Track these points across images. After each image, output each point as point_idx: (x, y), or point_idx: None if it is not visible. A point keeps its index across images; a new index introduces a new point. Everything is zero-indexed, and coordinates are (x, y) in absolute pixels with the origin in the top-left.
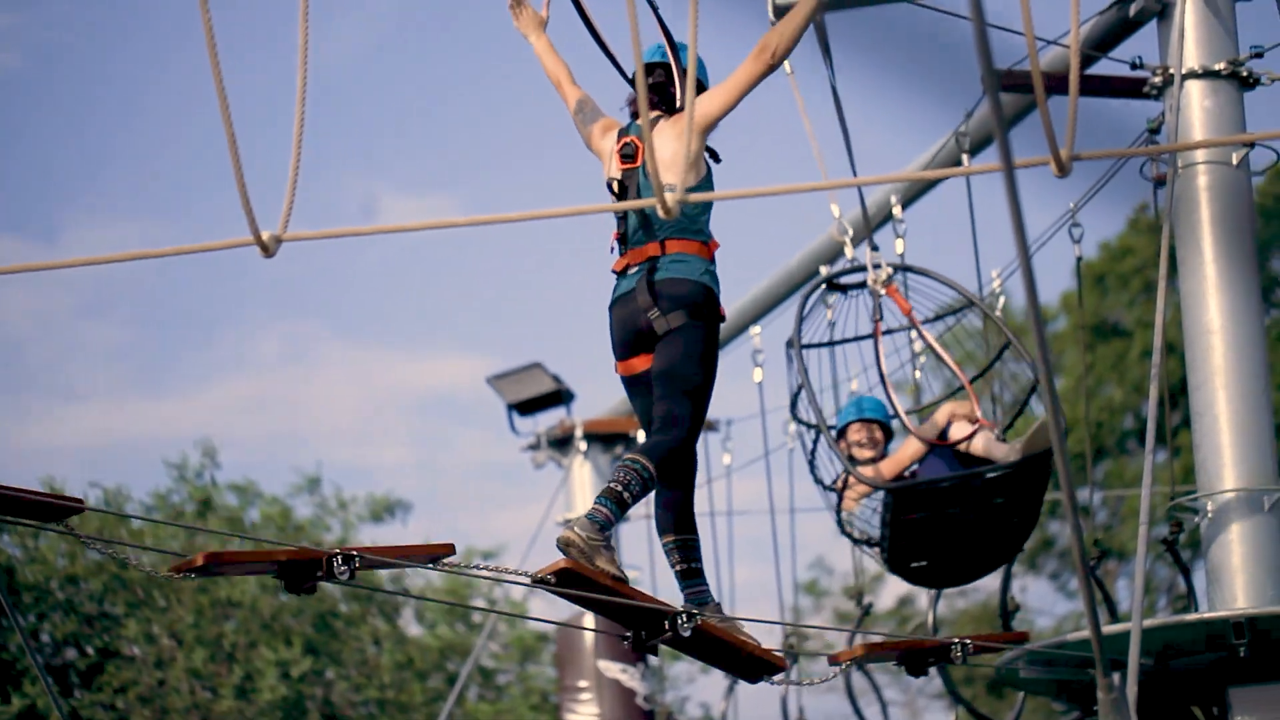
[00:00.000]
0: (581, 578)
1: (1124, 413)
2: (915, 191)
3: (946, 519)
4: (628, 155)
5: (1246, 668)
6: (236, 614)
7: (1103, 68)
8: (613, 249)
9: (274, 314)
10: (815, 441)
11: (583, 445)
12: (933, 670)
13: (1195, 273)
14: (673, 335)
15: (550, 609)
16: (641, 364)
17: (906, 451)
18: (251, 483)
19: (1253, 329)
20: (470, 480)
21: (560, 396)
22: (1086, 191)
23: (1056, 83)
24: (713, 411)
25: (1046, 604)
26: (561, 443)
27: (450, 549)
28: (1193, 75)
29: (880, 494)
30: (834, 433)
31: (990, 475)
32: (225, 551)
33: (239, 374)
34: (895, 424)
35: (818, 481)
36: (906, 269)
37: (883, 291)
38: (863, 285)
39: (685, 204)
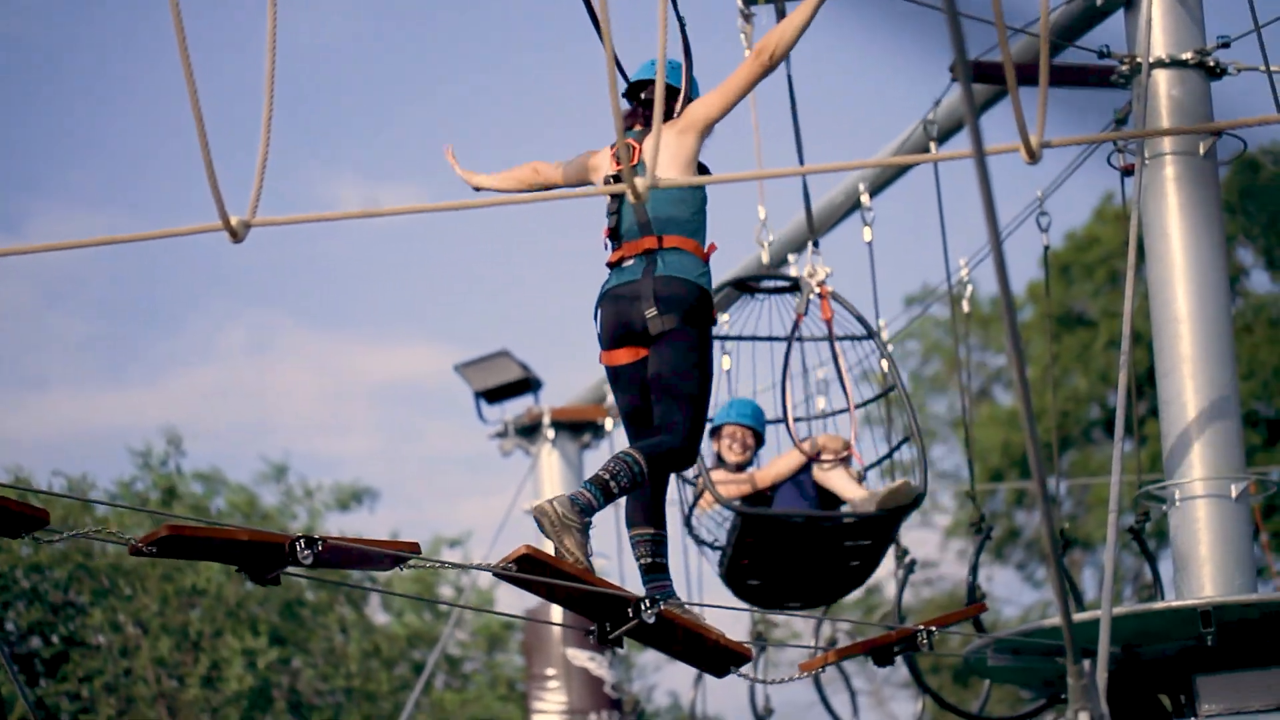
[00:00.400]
0: (542, 565)
1: (1089, 402)
2: (883, 180)
3: (789, 552)
4: (626, 157)
5: (1213, 656)
6: (202, 602)
7: (1070, 56)
8: (606, 245)
9: (240, 304)
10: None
11: (550, 433)
12: (899, 659)
13: (1163, 261)
14: (670, 338)
15: (518, 599)
16: (626, 356)
17: (783, 464)
18: (217, 470)
19: (1220, 318)
20: (437, 469)
21: (528, 384)
22: (1054, 180)
23: (1025, 71)
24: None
25: (1013, 593)
26: (529, 431)
27: (415, 548)
28: (1160, 64)
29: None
30: (709, 428)
31: (841, 521)
32: (187, 526)
33: (205, 363)
34: (776, 431)
35: (679, 473)
36: (813, 287)
37: (816, 290)
38: (772, 292)
39: (677, 208)
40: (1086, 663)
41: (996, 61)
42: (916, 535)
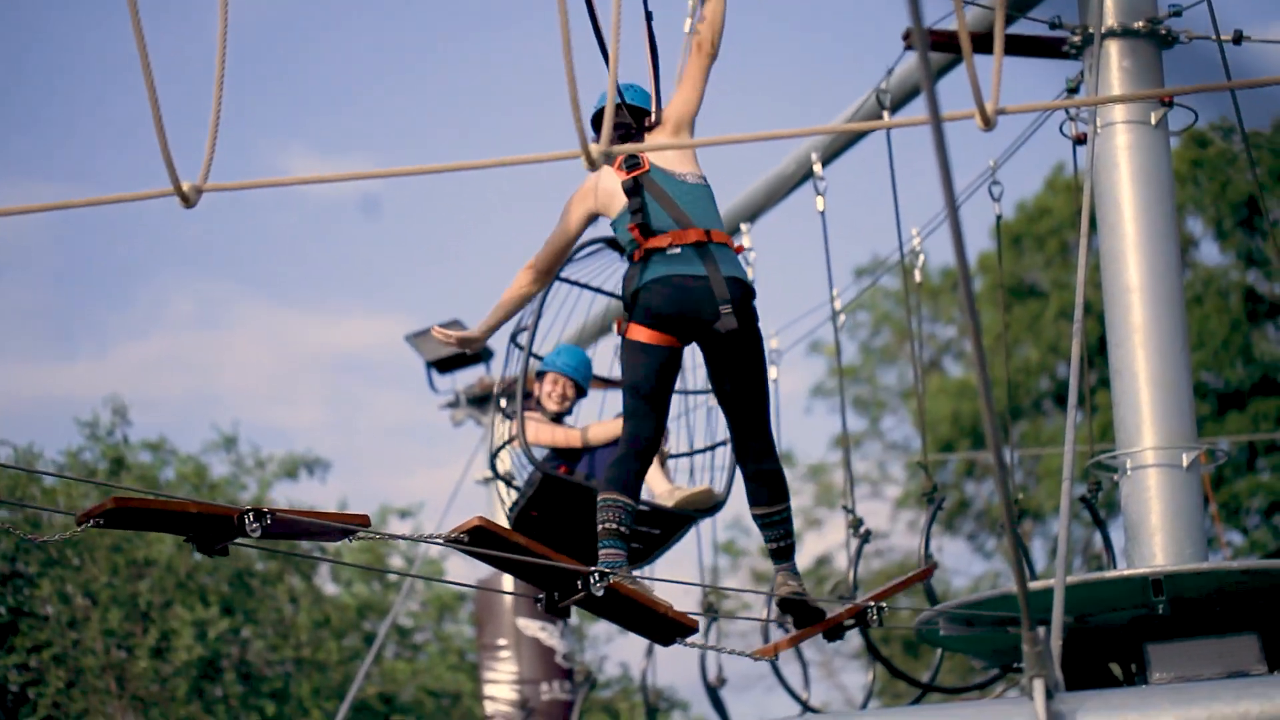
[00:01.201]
0: (493, 536)
1: (1039, 373)
2: (835, 150)
3: (578, 518)
4: (633, 165)
5: (1164, 625)
6: (152, 573)
7: (1021, 27)
8: (637, 239)
9: (189, 275)
10: (524, 371)
11: (502, 403)
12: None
13: (1114, 231)
14: (741, 348)
15: (468, 568)
16: (660, 339)
17: (602, 431)
18: (164, 439)
19: (1172, 288)
20: (388, 440)
21: (479, 354)
22: (1007, 149)
23: (978, 41)
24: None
25: (963, 565)
26: (480, 401)
27: (365, 520)
28: (1112, 34)
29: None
30: (536, 372)
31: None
32: (135, 498)
33: (154, 334)
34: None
35: (500, 407)
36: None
37: None
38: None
39: (710, 205)
40: (1041, 630)
41: (950, 30)
42: (867, 506)
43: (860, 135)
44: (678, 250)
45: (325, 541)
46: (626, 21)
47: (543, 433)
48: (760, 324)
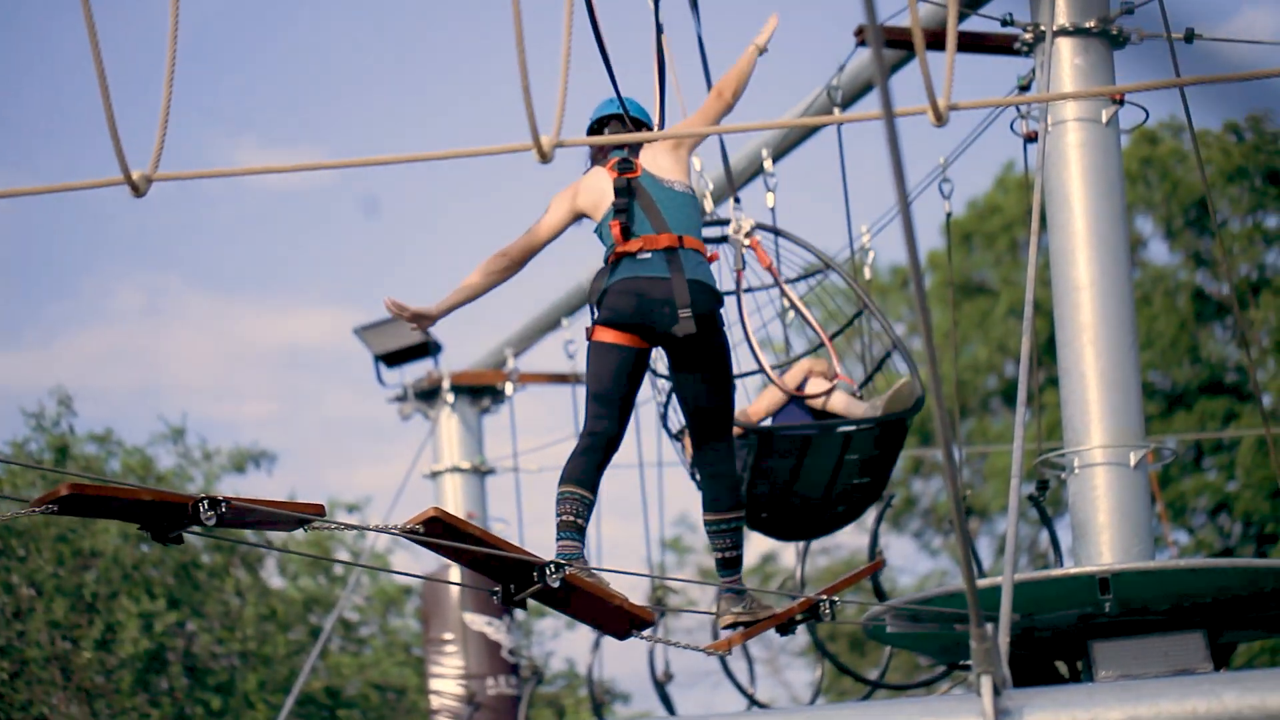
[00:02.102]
0: (449, 527)
1: (987, 372)
2: (786, 145)
3: (800, 474)
4: (625, 168)
5: (1110, 623)
6: (98, 564)
7: (973, 25)
8: (617, 239)
9: (134, 266)
10: (670, 393)
11: (450, 397)
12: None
13: (1064, 229)
14: (703, 353)
15: (414, 562)
16: (624, 340)
17: (763, 402)
18: (110, 432)
19: (1121, 286)
20: (334, 433)
21: (427, 348)
22: (957, 146)
23: (930, 37)
24: (581, 365)
25: (909, 563)
26: (428, 394)
27: (320, 510)
28: (1064, 32)
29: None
30: None
31: (852, 429)
32: (89, 485)
33: (98, 325)
34: (744, 385)
35: (667, 431)
36: (763, 228)
37: (746, 243)
38: (722, 239)
39: (690, 213)
40: (989, 626)
41: (903, 26)
42: None
43: (811, 131)
44: (648, 255)
45: (278, 531)
46: (637, 34)
47: (749, 413)
48: (725, 329)
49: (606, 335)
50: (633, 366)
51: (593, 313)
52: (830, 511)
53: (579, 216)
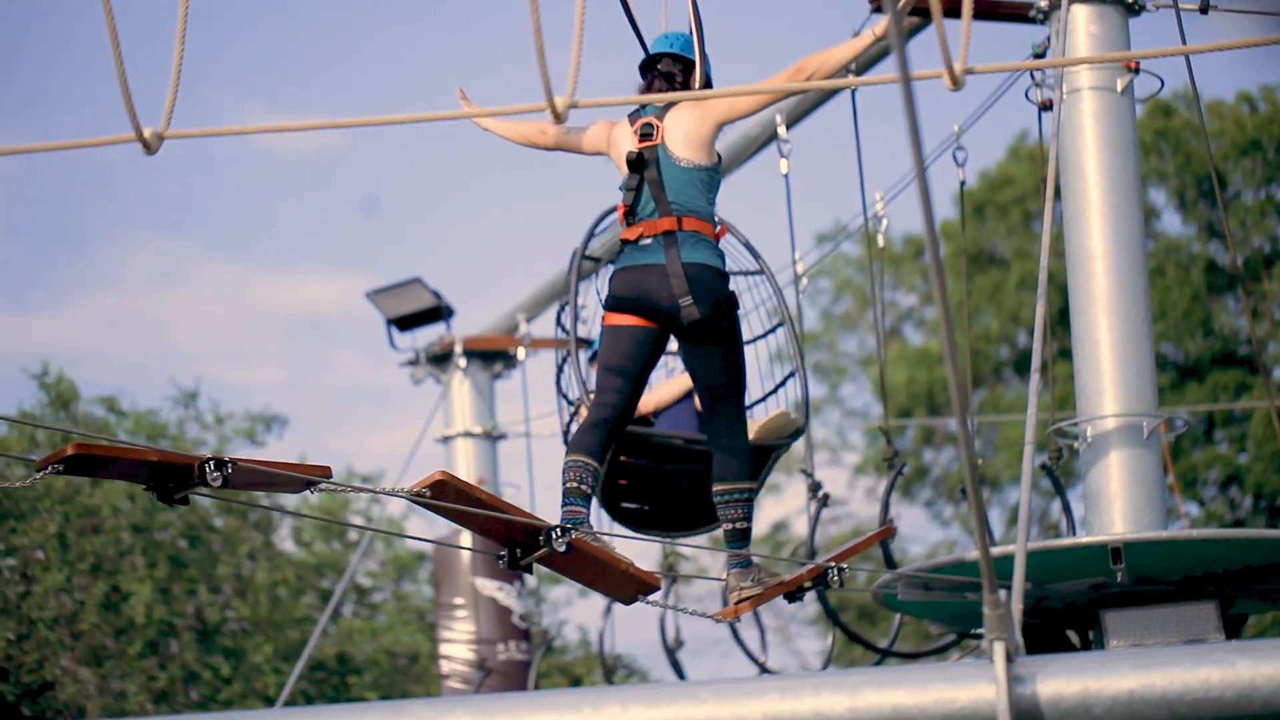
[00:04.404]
0: (455, 490)
1: (999, 342)
2: (800, 111)
3: (662, 473)
4: (646, 134)
5: (1122, 592)
6: (105, 524)
7: None
8: (621, 223)
9: (148, 231)
10: (564, 356)
11: (462, 362)
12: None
13: (1079, 198)
14: (709, 335)
15: (428, 528)
16: (634, 320)
17: (666, 391)
18: (113, 400)
19: (1135, 255)
20: (346, 399)
21: (440, 313)
22: (971, 114)
23: (946, 3)
24: (594, 332)
25: (920, 532)
26: (440, 359)
27: (327, 471)
28: (1079, 0)
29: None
30: (591, 350)
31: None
32: (95, 444)
33: (112, 290)
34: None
35: (561, 394)
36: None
37: None
38: None
39: (696, 191)
40: (1003, 593)
41: None
42: (825, 473)
43: (825, 98)
44: (648, 241)
45: (286, 492)
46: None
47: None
48: (735, 307)
49: (615, 318)
50: (643, 345)
51: (599, 297)
52: (691, 515)
53: (604, 155)
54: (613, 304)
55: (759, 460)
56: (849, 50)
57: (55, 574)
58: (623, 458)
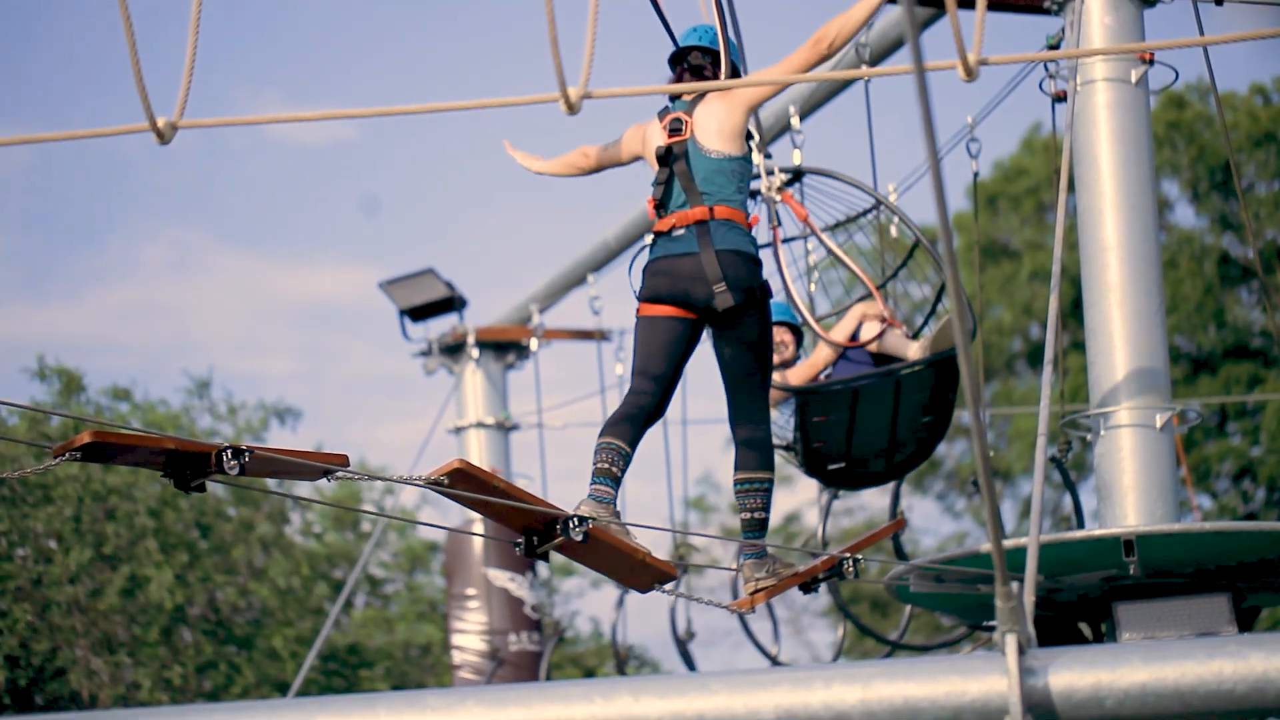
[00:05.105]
0: (473, 479)
1: (1012, 334)
2: (813, 103)
3: (859, 423)
4: (675, 129)
5: (1134, 585)
6: (119, 509)
7: None
8: (651, 217)
9: (162, 221)
10: None
11: (474, 352)
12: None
13: (1092, 189)
14: (742, 325)
15: (441, 518)
16: (670, 311)
17: (819, 356)
18: (125, 391)
19: (1148, 247)
20: (359, 390)
21: (452, 303)
22: (985, 105)
23: None
24: (606, 322)
25: (932, 524)
26: (453, 349)
27: (344, 460)
28: None
29: (792, 399)
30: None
31: (903, 372)
32: (112, 432)
33: (125, 280)
34: (806, 330)
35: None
36: (806, 172)
37: (778, 198)
38: (755, 194)
39: (726, 180)
40: (1015, 585)
41: None
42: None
43: (838, 89)
44: (680, 231)
45: (302, 480)
46: None
47: (795, 371)
48: (768, 295)
49: (650, 309)
50: (678, 336)
51: (633, 288)
52: (899, 454)
53: (639, 158)
54: (647, 295)
55: (948, 369)
56: (864, 9)
57: (78, 554)
58: (816, 418)
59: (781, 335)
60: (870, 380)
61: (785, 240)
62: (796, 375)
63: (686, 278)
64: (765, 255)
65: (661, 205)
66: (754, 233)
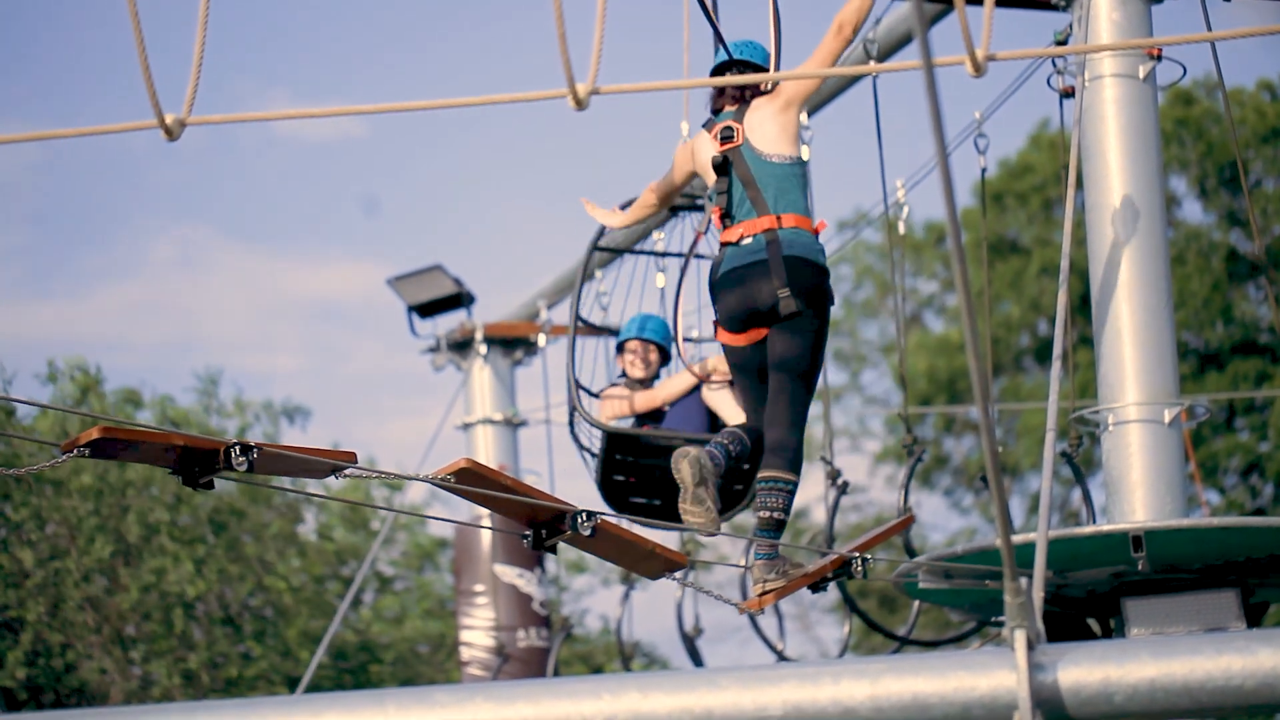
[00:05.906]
0: (480, 477)
1: (1020, 330)
2: (821, 99)
3: (652, 470)
4: (727, 137)
5: (1143, 580)
6: (135, 504)
7: None
8: (715, 227)
9: (169, 218)
10: (572, 343)
11: (483, 348)
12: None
13: (1100, 185)
14: (798, 324)
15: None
16: (746, 339)
17: (675, 385)
18: (134, 392)
19: (1156, 243)
20: (367, 387)
21: (460, 299)
22: (993, 101)
23: None
24: (613, 315)
25: (940, 520)
26: (461, 346)
27: (352, 457)
28: None
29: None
30: (615, 342)
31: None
32: (120, 428)
33: (133, 277)
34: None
35: (575, 380)
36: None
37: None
38: (696, 208)
39: (789, 185)
40: (1024, 580)
41: None
42: (846, 461)
43: (846, 85)
44: (749, 240)
45: (311, 477)
46: None
47: (617, 406)
48: (830, 303)
49: (729, 338)
50: (758, 361)
51: (711, 293)
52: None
53: (693, 175)
54: (725, 323)
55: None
56: None
57: (96, 548)
58: (629, 458)
59: (648, 354)
60: (669, 440)
61: (698, 256)
62: (642, 400)
63: (755, 289)
64: (673, 266)
65: (727, 215)
66: (820, 239)
